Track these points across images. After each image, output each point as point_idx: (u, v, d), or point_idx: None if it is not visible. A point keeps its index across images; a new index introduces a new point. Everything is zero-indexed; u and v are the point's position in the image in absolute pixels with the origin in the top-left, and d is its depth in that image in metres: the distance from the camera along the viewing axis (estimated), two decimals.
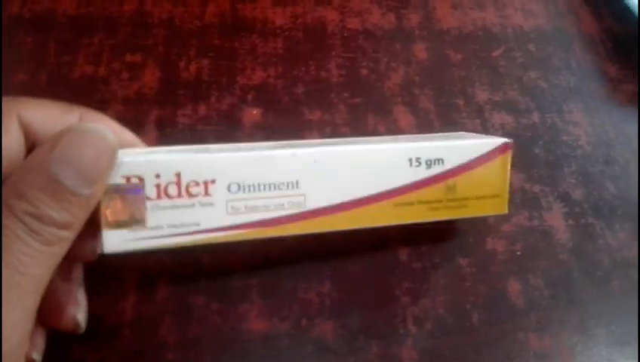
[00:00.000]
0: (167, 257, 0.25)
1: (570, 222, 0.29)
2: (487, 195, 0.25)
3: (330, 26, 0.35)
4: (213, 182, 0.21)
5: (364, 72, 0.33)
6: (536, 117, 0.33)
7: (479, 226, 0.28)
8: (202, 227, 0.21)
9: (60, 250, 0.17)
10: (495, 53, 0.35)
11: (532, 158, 0.31)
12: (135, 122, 0.29)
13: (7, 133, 0.19)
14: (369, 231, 0.26)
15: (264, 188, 0.21)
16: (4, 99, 0.20)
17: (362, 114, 0.31)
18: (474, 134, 0.28)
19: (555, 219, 0.29)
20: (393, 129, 0.31)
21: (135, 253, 0.20)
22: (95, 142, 0.18)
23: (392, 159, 0.23)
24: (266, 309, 0.25)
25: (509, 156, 0.25)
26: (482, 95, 0.33)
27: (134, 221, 0.20)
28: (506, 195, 0.25)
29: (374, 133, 0.31)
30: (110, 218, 0.19)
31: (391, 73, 0.33)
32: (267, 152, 0.22)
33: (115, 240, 0.20)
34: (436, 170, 0.24)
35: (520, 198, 0.30)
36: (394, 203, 0.23)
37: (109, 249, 0.20)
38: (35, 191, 0.16)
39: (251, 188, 0.21)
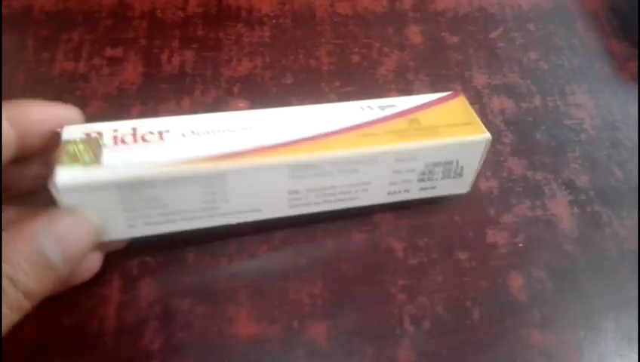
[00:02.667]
0: (151, 259, 0.24)
1: (575, 210, 0.28)
2: (458, 123, 0.24)
3: (319, 12, 0.33)
4: (167, 131, 0.22)
5: (356, 58, 0.31)
6: (537, 100, 0.31)
7: (479, 218, 0.27)
8: (158, 162, 0.21)
9: (15, 317, 0.18)
10: (493, 35, 0.34)
11: (534, 144, 0.30)
12: (117, 119, 0.28)
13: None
14: (360, 223, 0.25)
15: (218, 132, 0.22)
16: None
17: None
18: None
19: (559, 207, 0.28)
20: None
21: (89, 190, 0.20)
22: (84, 226, 0.20)
23: (344, 109, 0.24)
24: (254, 312, 0.24)
25: (462, 97, 0.25)
26: (480, 79, 0.31)
27: (90, 161, 0.20)
28: (479, 122, 0.25)
29: None
30: (65, 156, 0.20)
31: (384, 59, 0.32)
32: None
33: (68, 176, 0.20)
34: (390, 110, 0.24)
35: (522, 187, 0.28)
36: (360, 134, 0.23)
37: (62, 183, 0.19)
38: (19, 256, 0.17)
39: (206, 133, 0.22)
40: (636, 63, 0.33)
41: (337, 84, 0.30)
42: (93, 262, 0.23)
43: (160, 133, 0.21)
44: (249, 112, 0.24)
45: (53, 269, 0.19)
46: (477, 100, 0.31)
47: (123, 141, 0.21)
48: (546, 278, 0.26)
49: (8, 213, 0.21)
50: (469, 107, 0.25)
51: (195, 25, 0.32)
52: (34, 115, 0.21)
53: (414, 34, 0.33)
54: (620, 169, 0.29)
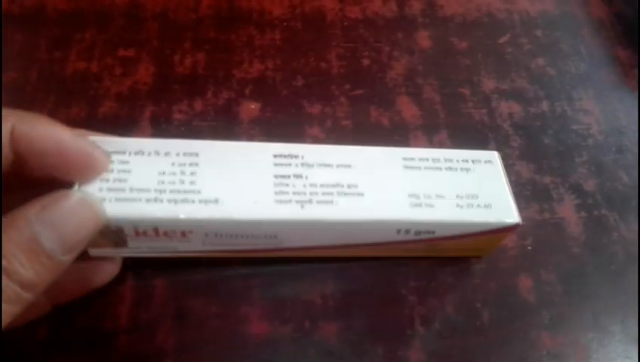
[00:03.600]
0: (164, 258, 0.24)
1: (583, 214, 0.28)
2: (471, 249, 0.25)
3: (329, 16, 0.33)
4: (190, 232, 0.21)
5: (366, 62, 0.32)
6: (545, 105, 0.32)
7: None
8: (180, 250, 0.22)
9: (14, 310, 0.16)
10: (501, 40, 0.34)
11: (542, 149, 0.30)
12: (129, 119, 0.28)
13: None
14: None
15: (241, 238, 0.22)
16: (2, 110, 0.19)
17: (364, 106, 0.30)
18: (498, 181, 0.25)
19: (567, 211, 0.28)
20: (397, 120, 0.30)
21: None
22: (83, 211, 0.18)
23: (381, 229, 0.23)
24: (267, 311, 0.24)
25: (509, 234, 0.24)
26: (489, 84, 0.32)
27: (115, 245, 0.21)
28: (492, 250, 0.26)
29: (377, 124, 0.29)
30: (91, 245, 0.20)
31: (393, 63, 0.32)
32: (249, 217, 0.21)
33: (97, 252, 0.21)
34: (424, 236, 0.23)
35: (530, 190, 0.28)
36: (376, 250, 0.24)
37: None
38: (13, 245, 0.16)
39: (229, 236, 0.21)
40: None
41: (347, 86, 0.31)
42: (113, 266, 0.23)
43: (183, 233, 0.21)
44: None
45: (51, 258, 0.17)
46: (486, 105, 0.31)
47: (145, 234, 0.21)
48: (554, 281, 0.26)
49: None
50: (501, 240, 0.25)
51: (207, 27, 0.32)
52: (41, 137, 0.18)
53: (423, 39, 0.33)
54: (627, 174, 0.30)
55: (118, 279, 0.24)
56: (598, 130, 0.31)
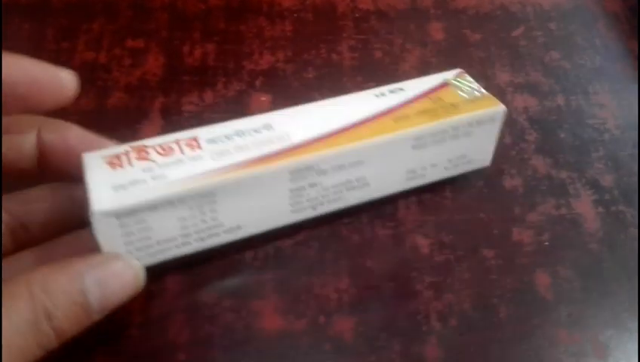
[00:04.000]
0: None
1: (600, 209, 0.28)
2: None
3: (340, 7, 0.33)
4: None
5: (378, 54, 0.31)
6: (560, 99, 0.31)
7: (504, 216, 0.27)
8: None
9: (37, 355, 0.17)
10: (515, 33, 0.33)
11: (558, 143, 0.29)
12: (139, 110, 0.28)
13: (23, 146, 0.19)
14: (385, 219, 0.25)
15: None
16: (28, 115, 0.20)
17: None
18: None
19: (584, 206, 0.28)
20: None
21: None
22: (128, 275, 0.19)
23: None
24: (281, 306, 0.23)
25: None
26: (503, 77, 0.31)
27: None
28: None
29: None
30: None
31: (406, 55, 0.31)
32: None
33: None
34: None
35: (546, 185, 0.28)
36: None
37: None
38: (60, 292, 0.17)
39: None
40: None
41: (360, 79, 0.30)
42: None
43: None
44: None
45: (88, 314, 0.18)
46: (500, 98, 0.30)
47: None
48: (572, 277, 0.25)
49: (25, 257, 0.20)
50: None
51: (217, 18, 0.31)
52: (10, 67, 0.18)
53: (436, 31, 0.33)
54: None
55: None
56: (615, 124, 0.31)
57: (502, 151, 0.25)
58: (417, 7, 0.34)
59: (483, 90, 0.26)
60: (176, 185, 0.20)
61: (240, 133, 0.22)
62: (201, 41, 0.31)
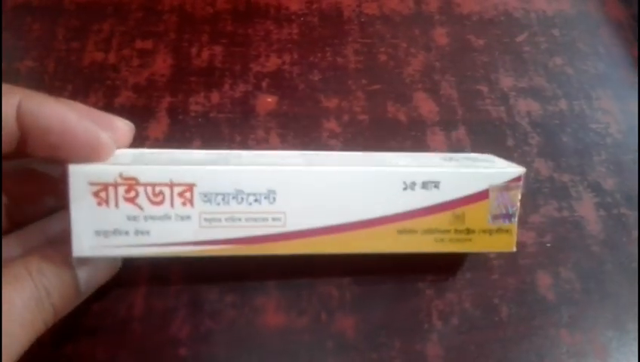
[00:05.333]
0: None
1: (602, 212, 0.28)
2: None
3: (346, 12, 0.33)
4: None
5: (383, 57, 0.32)
6: (563, 104, 0.31)
7: None
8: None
9: (41, 328, 0.18)
10: (519, 39, 0.34)
11: (560, 146, 0.30)
12: (146, 110, 0.28)
13: (4, 119, 0.18)
14: None
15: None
16: (5, 85, 0.18)
17: (381, 101, 0.30)
18: (496, 159, 0.25)
19: (586, 209, 0.28)
20: (414, 116, 0.29)
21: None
22: (109, 261, 0.21)
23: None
24: (283, 302, 0.24)
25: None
26: (507, 81, 0.32)
27: None
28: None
29: (394, 120, 0.29)
30: None
31: (410, 59, 0.32)
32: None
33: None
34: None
35: (549, 188, 0.28)
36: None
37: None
38: (54, 275, 0.18)
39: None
40: None
41: (364, 81, 0.31)
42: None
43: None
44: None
45: (77, 293, 0.19)
46: (504, 102, 0.31)
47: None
48: (574, 279, 0.26)
49: (9, 243, 0.20)
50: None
51: (224, 20, 0.32)
52: (46, 114, 0.18)
53: (440, 36, 0.33)
54: None
55: (133, 267, 0.23)
56: (617, 129, 0.31)
57: (505, 154, 0.25)
58: (422, 12, 0.34)
59: (515, 218, 0.22)
60: (155, 249, 0.20)
61: (239, 196, 0.20)
62: (209, 43, 0.31)
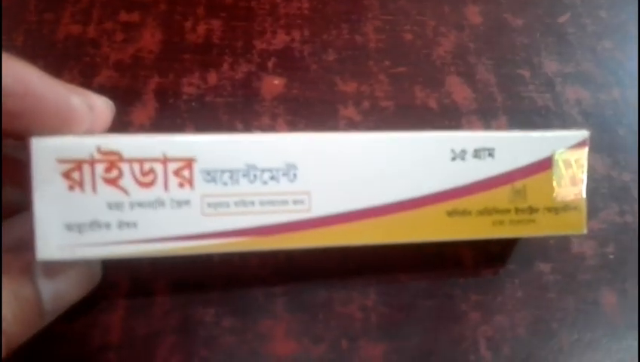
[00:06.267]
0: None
1: None
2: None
3: None
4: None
5: (408, 36, 0.27)
6: (616, 93, 0.27)
7: None
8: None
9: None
10: (561, 20, 0.30)
11: (617, 141, 0.25)
12: (131, 91, 0.24)
13: None
14: None
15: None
16: None
17: (408, 85, 0.26)
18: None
19: None
20: (447, 103, 0.25)
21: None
22: (84, 273, 0.17)
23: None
24: (294, 327, 0.19)
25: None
26: (551, 66, 0.27)
27: None
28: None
29: (423, 107, 0.25)
30: None
31: (440, 39, 0.27)
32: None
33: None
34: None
35: (607, 188, 0.24)
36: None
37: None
38: (9, 290, 0.14)
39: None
40: None
41: (387, 63, 0.26)
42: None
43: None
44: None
45: (41, 314, 0.15)
46: (549, 89, 0.26)
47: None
48: None
49: None
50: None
51: None
52: (4, 71, 0.14)
53: (473, 14, 0.29)
54: None
55: (110, 281, 0.19)
56: None
57: None
58: None
59: (584, 191, 0.19)
60: (144, 247, 0.15)
61: (251, 172, 0.16)
62: (206, 16, 0.27)
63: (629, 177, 0.24)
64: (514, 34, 0.28)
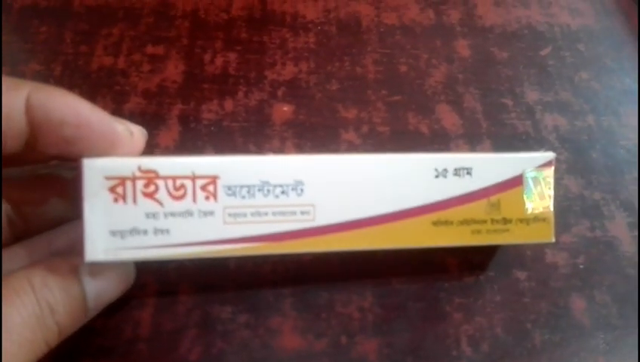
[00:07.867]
0: (189, 262, 0.23)
1: (636, 233, 0.26)
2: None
3: (365, 21, 0.32)
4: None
5: (403, 68, 0.30)
6: (591, 119, 0.30)
7: None
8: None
9: (42, 349, 0.16)
10: (543, 53, 0.33)
11: (590, 163, 0.28)
12: (157, 116, 0.27)
13: (11, 113, 0.16)
14: None
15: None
16: (11, 79, 0.17)
17: (402, 112, 0.29)
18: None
19: (619, 229, 0.26)
20: (437, 128, 0.28)
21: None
22: (122, 274, 0.19)
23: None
24: (300, 324, 0.22)
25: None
26: (532, 95, 0.30)
27: None
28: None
29: (416, 132, 0.28)
30: None
31: (432, 70, 0.31)
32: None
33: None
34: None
35: (580, 206, 0.27)
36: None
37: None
38: (60, 289, 0.17)
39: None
40: None
41: (384, 92, 0.29)
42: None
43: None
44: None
45: (85, 309, 0.18)
46: (530, 116, 0.29)
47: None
48: (609, 302, 0.24)
49: (19, 250, 0.19)
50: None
51: (239, 27, 0.31)
52: (58, 106, 0.17)
53: (463, 47, 0.32)
54: None
55: (140, 283, 0.22)
56: None
57: None
58: (443, 23, 0.33)
59: (551, 205, 0.22)
60: (175, 250, 0.18)
61: (265, 188, 0.19)
62: (223, 50, 0.30)
63: (600, 196, 0.27)
64: (499, 66, 0.31)
